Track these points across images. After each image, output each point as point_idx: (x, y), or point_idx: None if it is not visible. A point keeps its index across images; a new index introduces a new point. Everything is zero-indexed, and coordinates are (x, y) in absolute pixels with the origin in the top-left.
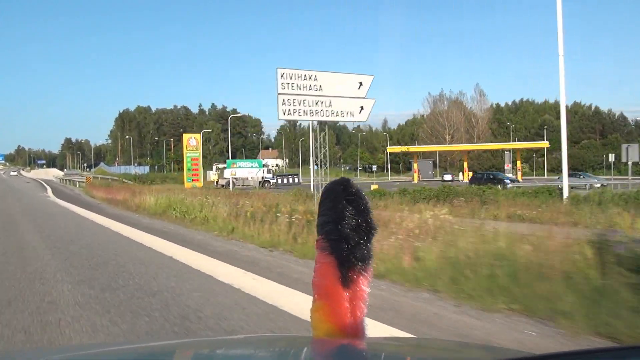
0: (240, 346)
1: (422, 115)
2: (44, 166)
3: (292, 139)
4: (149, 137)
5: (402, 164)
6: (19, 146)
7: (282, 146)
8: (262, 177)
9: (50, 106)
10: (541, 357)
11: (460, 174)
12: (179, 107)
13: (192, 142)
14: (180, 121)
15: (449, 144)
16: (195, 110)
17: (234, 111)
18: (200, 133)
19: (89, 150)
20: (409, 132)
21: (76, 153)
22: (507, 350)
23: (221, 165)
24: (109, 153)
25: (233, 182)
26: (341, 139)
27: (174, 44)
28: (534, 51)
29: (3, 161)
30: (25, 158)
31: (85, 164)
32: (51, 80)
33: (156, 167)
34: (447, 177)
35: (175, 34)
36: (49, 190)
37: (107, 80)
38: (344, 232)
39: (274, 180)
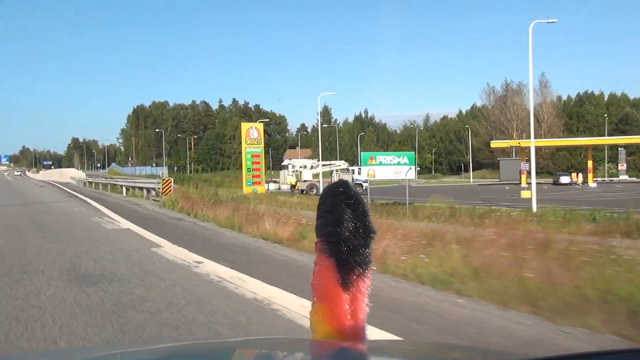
0: (240, 349)
1: (480, 107)
2: (52, 167)
3: (327, 137)
4: (166, 135)
5: (451, 164)
6: (23, 147)
7: (313, 144)
8: (354, 180)
9: (56, 106)
10: (541, 359)
11: (579, 175)
12: (197, 102)
13: (252, 134)
14: (201, 118)
15: (517, 138)
16: (214, 106)
17: (257, 107)
18: (261, 123)
19: (97, 151)
20: (454, 128)
21: (84, 153)
22: (508, 353)
23: (298, 163)
24: (120, 153)
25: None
26: (380, 139)
27: (186, 39)
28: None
29: (7, 162)
30: (30, 159)
31: (98, 165)
32: (55, 79)
33: (175, 167)
34: (564, 179)
35: (186, 29)
36: (107, 211)
37: (114, 78)
38: (342, 235)
39: (367, 184)
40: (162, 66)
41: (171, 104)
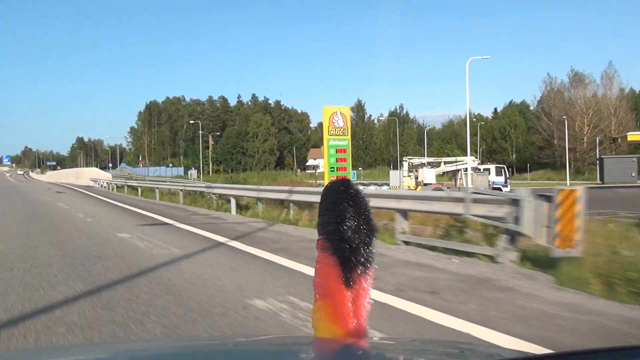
0: (242, 346)
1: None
2: (57, 167)
3: (360, 135)
4: (182, 133)
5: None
6: (25, 147)
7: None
8: (491, 183)
9: (58, 105)
10: (542, 357)
11: None
12: (215, 98)
13: (337, 122)
14: (220, 114)
15: (588, 134)
16: (232, 102)
17: (278, 103)
18: (347, 107)
19: (103, 151)
20: (497, 125)
21: (90, 153)
22: (509, 350)
23: (416, 161)
24: (130, 153)
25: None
26: (418, 136)
27: (190, 38)
28: None
29: (9, 162)
30: (32, 159)
31: (110, 165)
32: (57, 79)
33: (193, 168)
34: None
35: (188, 28)
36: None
37: (117, 77)
38: (345, 234)
39: (507, 188)
40: (163, 65)
41: (187, 98)
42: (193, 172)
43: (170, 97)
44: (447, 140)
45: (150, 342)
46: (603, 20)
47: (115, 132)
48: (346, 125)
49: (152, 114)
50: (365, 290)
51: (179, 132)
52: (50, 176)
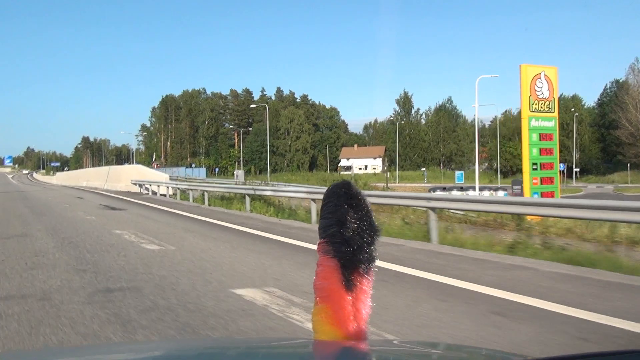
0: (242, 348)
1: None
2: (65, 168)
3: (407, 132)
4: (203, 129)
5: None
6: (28, 148)
7: (388, 140)
8: None
9: (62, 105)
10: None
11: None
12: (238, 92)
13: (541, 90)
14: (245, 109)
15: None
16: (255, 96)
17: (305, 98)
18: (552, 68)
19: (109, 152)
20: (566, 119)
21: (101, 152)
22: (513, 355)
23: None
24: (142, 152)
25: None
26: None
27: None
28: None
29: (11, 163)
30: (35, 160)
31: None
32: (59, 78)
33: (217, 169)
34: None
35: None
36: None
37: (119, 77)
38: (347, 235)
39: None
40: (171, 60)
41: (208, 91)
42: (240, 173)
43: (189, 90)
44: (508, 137)
45: (152, 343)
46: None
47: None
48: (552, 95)
49: (169, 109)
50: (366, 293)
51: (199, 129)
52: (63, 178)
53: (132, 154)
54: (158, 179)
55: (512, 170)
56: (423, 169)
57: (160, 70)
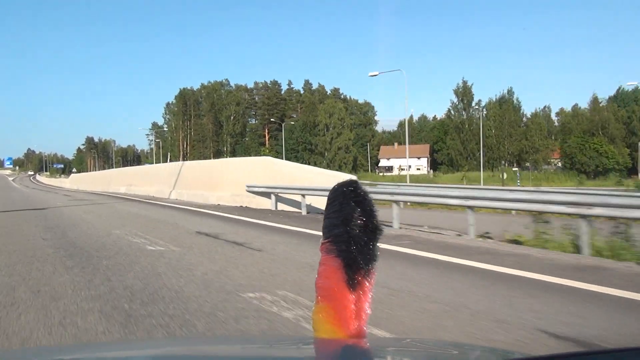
0: (243, 346)
1: None
2: (74, 170)
3: (467, 127)
4: (229, 126)
5: None
6: (28, 149)
7: (430, 139)
8: None
9: (64, 105)
10: (542, 358)
11: None
12: (267, 83)
13: None
14: (276, 103)
15: None
16: (283, 89)
17: (336, 91)
18: None
19: (115, 153)
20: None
21: (99, 155)
22: (511, 352)
23: None
24: (155, 152)
25: None
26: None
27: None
28: None
29: (11, 165)
30: (36, 162)
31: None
32: (61, 77)
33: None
34: None
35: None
36: None
37: (122, 75)
38: (352, 233)
39: None
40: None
41: (232, 84)
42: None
43: (211, 82)
44: (590, 132)
45: (153, 341)
46: None
47: (128, 131)
48: None
49: (188, 103)
50: (368, 292)
51: (223, 125)
52: (80, 181)
53: (151, 153)
54: (321, 182)
55: (598, 171)
56: (515, 169)
57: (168, 66)
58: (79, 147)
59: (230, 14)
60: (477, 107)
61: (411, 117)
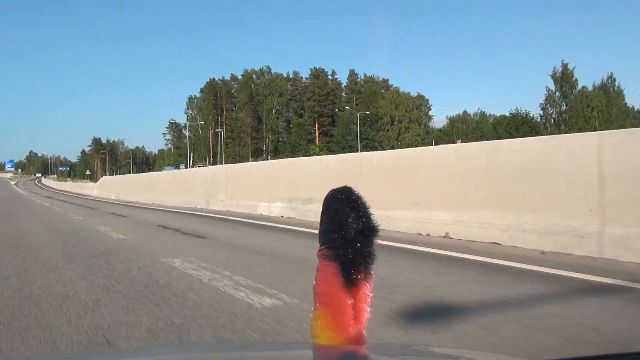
0: (240, 352)
1: None
2: (87, 173)
3: (560, 118)
4: (270, 120)
5: None
6: (30, 152)
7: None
8: None
9: (65, 106)
10: None
11: None
12: (317, 70)
13: None
14: (328, 94)
15: None
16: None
17: (385, 83)
18: None
19: (123, 155)
20: None
21: (107, 157)
22: (514, 359)
23: None
24: (172, 153)
25: None
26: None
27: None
28: None
29: (12, 168)
30: (37, 165)
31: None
32: (63, 76)
33: None
34: None
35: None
36: None
37: (123, 74)
38: (348, 237)
39: None
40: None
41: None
42: None
43: (248, 70)
44: None
45: (150, 349)
46: None
47: (136, 133)
48: None
49: (218, 96)
50: (367, 296)
51: (263, 120)
52: (112, 187)
53: (163, 154)
54: None
55: None
56: None
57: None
58: (83, 150)
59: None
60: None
61: (464, 112)
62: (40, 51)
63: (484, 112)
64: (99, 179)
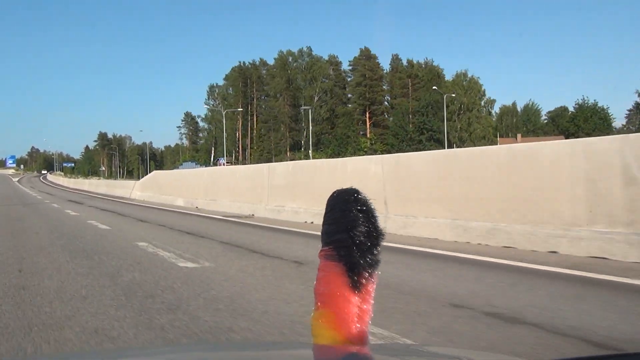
0: (239, 352)
1: None
2: (102, 168)
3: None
4: (313, 110)
5: None
6: (32, 148)
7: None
8: None
9: (66, 103)
10: None
11: None
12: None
13: None
14: (382, 77)
15: None
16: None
17: (427, 64)
18: None
19: (130, 152)
20: None
21: (113, 153)
22: (514, 359)
23: None
24: (190, 149)
25: None
26: None
27: None
28: None
29: (14, 164)
30: (40, 161)
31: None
32: (64, 76)
33: None
34: None
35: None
36: None
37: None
38: (356, 239)
39: None
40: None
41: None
42: None
43: (284, 52)
44: None
45: (150, 349)
46: None
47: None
48: None
49: (249, 82)
50: (370, 296)
51: (300, 109)
52: (156, 187)
53: (176, 149)
54: None
55: None
56: None
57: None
58: (87, 146)
59: None
60: None
61: (514, 104)
62: (42, 46)
63: (534, 103)
64: (111, 176)
